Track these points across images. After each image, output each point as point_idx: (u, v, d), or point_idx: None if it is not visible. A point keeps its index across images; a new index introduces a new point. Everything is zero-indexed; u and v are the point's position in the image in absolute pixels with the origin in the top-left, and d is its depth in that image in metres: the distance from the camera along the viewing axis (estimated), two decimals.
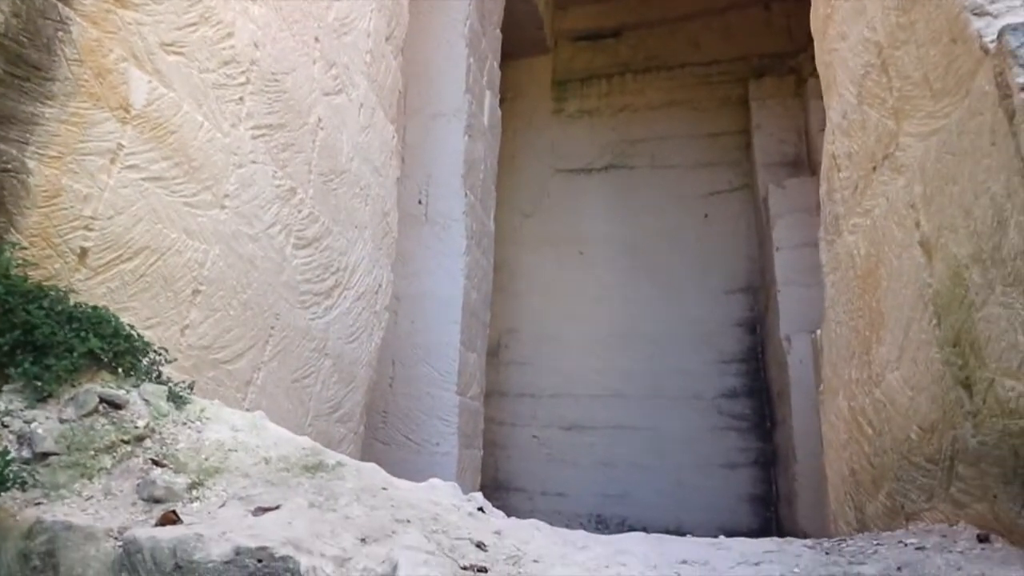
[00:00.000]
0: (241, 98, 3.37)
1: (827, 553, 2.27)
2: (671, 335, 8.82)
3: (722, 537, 2.51)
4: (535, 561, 1.98)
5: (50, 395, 2.11)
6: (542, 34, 9.91)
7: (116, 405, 2.18)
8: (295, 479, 2.16)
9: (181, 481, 2.01)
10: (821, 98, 4.13)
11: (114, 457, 2.05)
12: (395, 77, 5.14)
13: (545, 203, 9.77)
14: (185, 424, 2.28)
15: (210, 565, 1.64)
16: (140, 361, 2.43)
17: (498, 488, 8.54)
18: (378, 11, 4.81)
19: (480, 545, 2.00)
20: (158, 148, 2.85)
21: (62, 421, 2.06)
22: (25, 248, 2.28)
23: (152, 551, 1.69)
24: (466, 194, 6.46)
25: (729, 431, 8.42)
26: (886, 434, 2.90)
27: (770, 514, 7.99)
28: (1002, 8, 2.10)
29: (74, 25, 2.45)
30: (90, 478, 1.98)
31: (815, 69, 4.15)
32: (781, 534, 6.44)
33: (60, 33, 2.41)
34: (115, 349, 2.32)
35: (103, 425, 2.11)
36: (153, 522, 1.84)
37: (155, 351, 2.52)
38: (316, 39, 4.04)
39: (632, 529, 3.55)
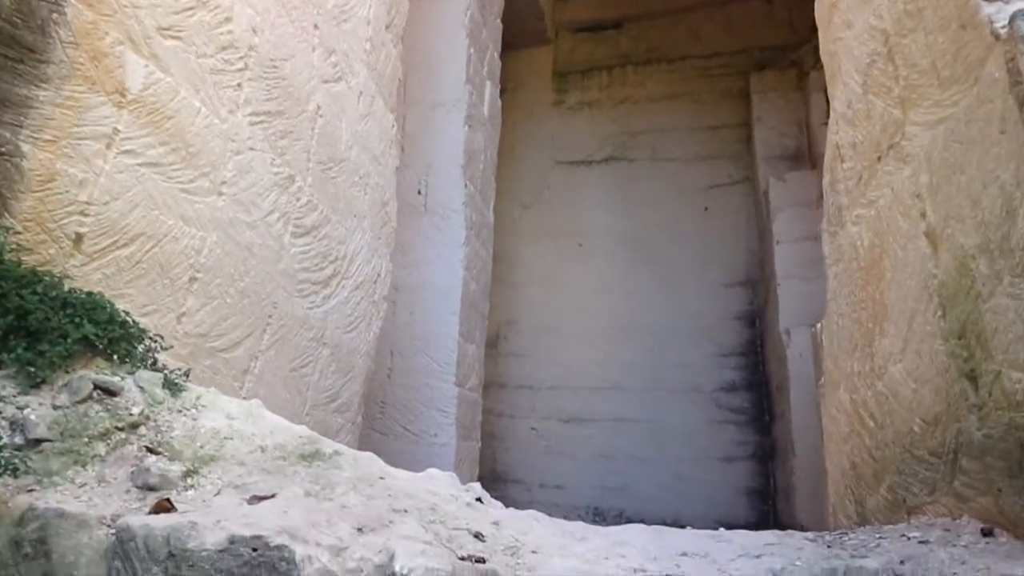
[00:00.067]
0: (239, 84, 3.33)
1: (829, 546, 2.25)
2: (670, 328, 8.80)
3: (722, 530, 2.49)
4: (534, 552, 1.96)
5: (43, 381, 2.08)
6: (543, 25, 9.86)
7: (111, 392, 2.15)
8: (291, 468, 2.14)
9: (176, 469, 1.98)
10: (823, 91, 4.10)
11: (108, 444, 2.02)
12: (395, 65, 5.10)
13: (545, 194, 9.73)
14: (180, 412, 2.25)
15: (204, 553, 1.61)
16: (135, 348, 2.40)
17: (496, 480, 8.52)
18: None
19: (478, 535, 1.98)
20: (155, 133, 2.81)
21: (55, 407, 2.04)
22: (19, 233, 2.25)
23: (145, 539, 1.66)
24: (466, 184, 6.42)
25: (728, 424, 8.41)
26: (888, 427, 2.88)
27: (768, 507, 7.99)
28: None
29: (69, 7, 2.41)
30: (83, 465, 1.95)
31: (817, 62, 4.12)
32: (779, 527, 6.42)
33: (55, 15, 2.37)
34: (110, 335, 2.29)
35: (97, 412, 2.08)
36: (147, 510, 1.81)
37: (151, 338, 2.49)
38: (315, 26, 4.00)
39: (630, 521, 3.54)
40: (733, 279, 8.88)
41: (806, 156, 8.37)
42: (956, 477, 2.34)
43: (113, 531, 1.71)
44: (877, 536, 2.34)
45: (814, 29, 4.26)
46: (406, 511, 1.99)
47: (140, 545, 1.66)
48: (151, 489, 1.91)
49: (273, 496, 1.92)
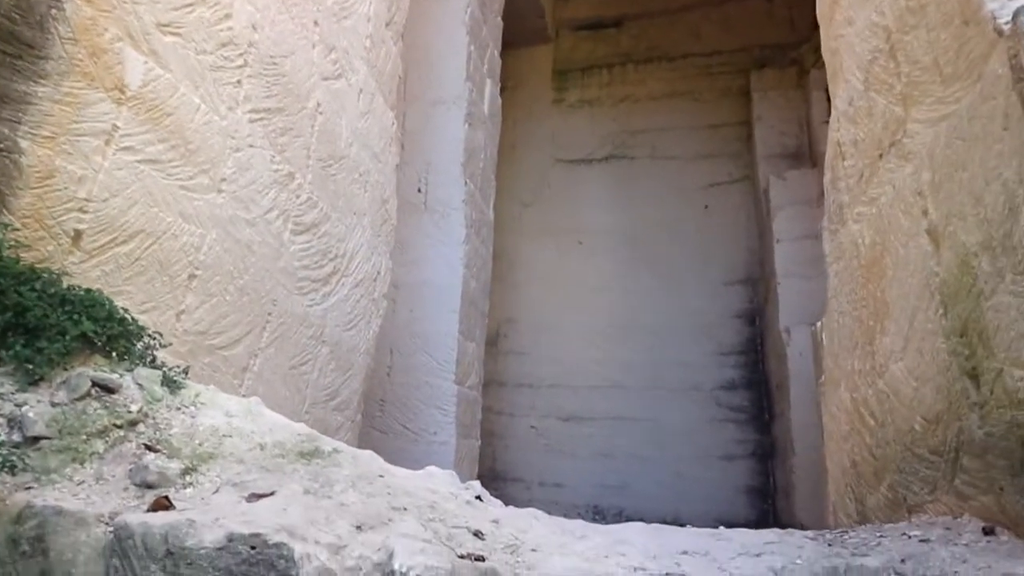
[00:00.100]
0: (239, 81, 3.32)
1: (829, 544, 2.24)
2: (670, 326, 8.80)
3: (722, 528, 2.48)
4: (533, 550, 1.95)
5: (42, 378, 2.07)
6: (543, 23, 9.85)
7: (109, 389, 2.14)
8: (290, 465, 2.13)
9: (174, 466, 1.97)
10: (823, 89, 4.09)
11: (106, 442, 2.02)
12: (395, 63, 5.08)
13: (545, 193, 9.73)
14: (179, 409, 2.25)
15: (202, 551, 1.61)
16: (134, 345, 2.40)
17: (496, 478, 8.52)
18: None
19: (478, 534, 1.97)
20: (154, 130, 2.80)
21: (54, 405, 2.03)
22: (17, 230, 2.24)
23: (144, 537, 1.66)
24: (466, 182, 6.41)
25: (728, 423, 8.41)
26: (889, 425, 2.87)
27: (767, 506, 7.99)
28: None
29: (68, 2, 2.40)
30: (82, 463, 1.94)
31: (817, 60, 4.11)
32: (779, 526, 6.42)
33: (53, 11, 2.36)
34: (109, 333, 2.28)
35: (95, 409, 2.07)
36: (145, 508, 1.81)
37: (150, 335, 2.48)
38: (315, 22, 3.99)
39: (629, 520, 3.53)
40: (733, 277, 8.88)
41: (806, 154, 8.36)
42: (957, 475, 2.33)
43: (111, 529, 1.71)
44: (878, 535, 2.33)
45: (815, 27, 4.25)
46: (405, 509, 1.98)
47: (138, 543, 1.65)
48: (149, 487, 1.90)
49: (272, 494, 1.91)
